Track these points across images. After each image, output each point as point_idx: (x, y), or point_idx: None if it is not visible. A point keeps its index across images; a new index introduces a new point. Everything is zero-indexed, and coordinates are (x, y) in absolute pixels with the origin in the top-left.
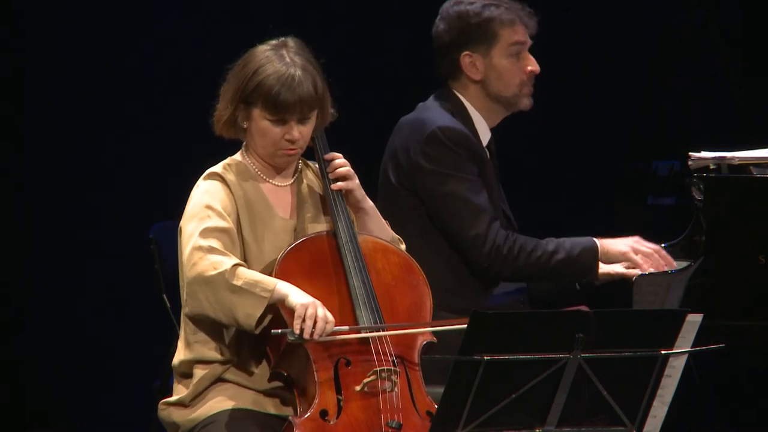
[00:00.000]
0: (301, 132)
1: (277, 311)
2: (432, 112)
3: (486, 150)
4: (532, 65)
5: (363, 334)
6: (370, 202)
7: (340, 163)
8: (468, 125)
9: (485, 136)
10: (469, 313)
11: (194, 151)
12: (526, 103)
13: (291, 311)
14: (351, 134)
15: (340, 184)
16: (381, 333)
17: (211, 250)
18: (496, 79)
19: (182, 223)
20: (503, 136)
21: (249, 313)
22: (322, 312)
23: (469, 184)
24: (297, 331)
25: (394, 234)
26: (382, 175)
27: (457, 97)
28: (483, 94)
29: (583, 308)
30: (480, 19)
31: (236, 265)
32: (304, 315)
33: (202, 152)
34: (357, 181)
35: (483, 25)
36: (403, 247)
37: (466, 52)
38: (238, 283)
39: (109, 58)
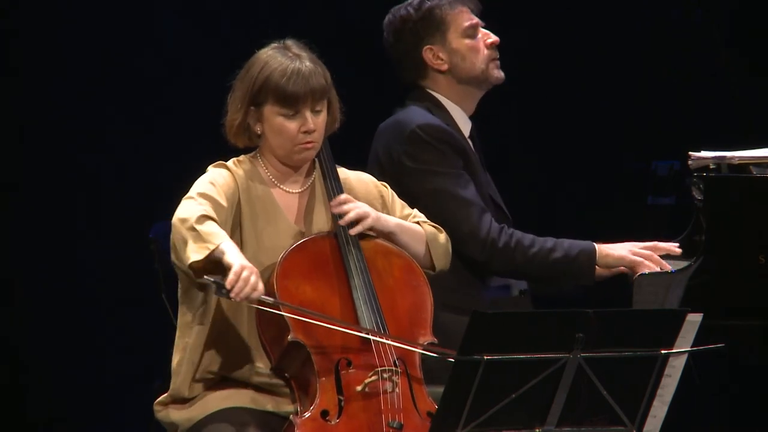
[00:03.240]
0: (316, 123)
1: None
2: (409, 112)
3: (468, 140)
4: (491, 38)
5: (302, 317)
6: (393, 222)
7: (349, 208)
8: (447, 119)
9: (466, 127)
10: (470, 311)
11: (194, 151)
12: (496, 75)
13: (228, 268)
14: (352, 134)
15: (357, 228)
16: (339, 327)
17: (198, 200)
18: (462, 61)
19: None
20: (502, 136)
21: (189, 257)
22: (255, 279)
23: (456, 179)
24: (228, 286)
25: (429, 228)
26: None
27: (431, 95)
28: (454, 81)
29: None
30: (422, 13)
31: (206, 216)
32: (240, 275)
33: (203, 152)
34: (372, 215)
35: (428, 17)
36: (442, 236)
37: (426, 47)
38: (198, 226)
39: (109, 58)
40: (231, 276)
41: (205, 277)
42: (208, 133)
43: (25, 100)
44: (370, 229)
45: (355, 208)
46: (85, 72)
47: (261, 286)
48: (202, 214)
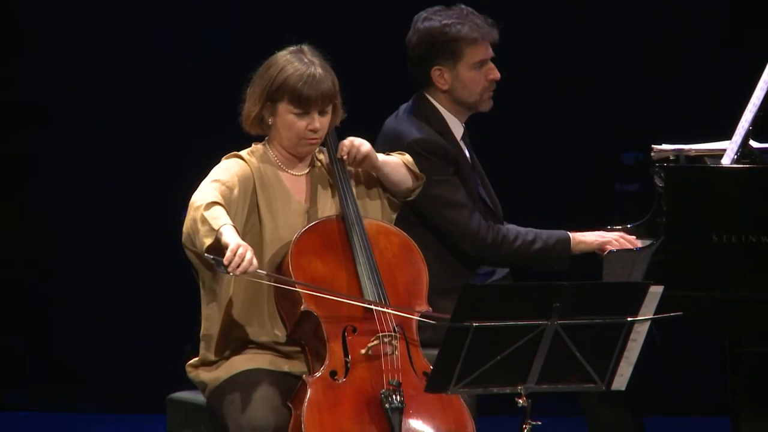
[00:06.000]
0: (322, 123)
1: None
2: (407, 123)
3: (461, 142)
4: (493, 74)
5: (294, 288)
6: (381, 157)
7: (348, 143)
8: (442, 125)
9: (458, 131)
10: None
11: (194, 150)
12: (485, 106)
13: (225, 247)
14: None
15: (361, 152)
16: (318, 293)
17: (211, 185)
18: (461, 89)
19: None
20: (487, 132)
21: (204, 242)
22: (250, 255)
23: (448, 185)
24: (225, 262)
25: (400, 156)
26: None
27: (431, 102)
28: (450, 100)
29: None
30: (447, 38)
31: (213, 203)
32: (236, 252)
33: (220, 141)
34: (368, 144)
35: (450, 44)
36: (407, 156)
37: (436, 66)
38: (205, 212)
39: (111, 59)
40: (228, 253)
41: (206, 255)
42: (209, 130)
43: (28, 101)
44: (366, 156)
45: (350, 141)
46: (85, 72)
47: (255, 261)
48: (211, 201)
